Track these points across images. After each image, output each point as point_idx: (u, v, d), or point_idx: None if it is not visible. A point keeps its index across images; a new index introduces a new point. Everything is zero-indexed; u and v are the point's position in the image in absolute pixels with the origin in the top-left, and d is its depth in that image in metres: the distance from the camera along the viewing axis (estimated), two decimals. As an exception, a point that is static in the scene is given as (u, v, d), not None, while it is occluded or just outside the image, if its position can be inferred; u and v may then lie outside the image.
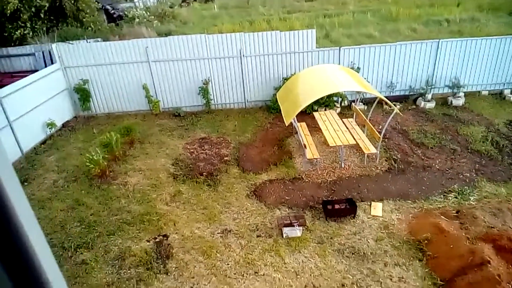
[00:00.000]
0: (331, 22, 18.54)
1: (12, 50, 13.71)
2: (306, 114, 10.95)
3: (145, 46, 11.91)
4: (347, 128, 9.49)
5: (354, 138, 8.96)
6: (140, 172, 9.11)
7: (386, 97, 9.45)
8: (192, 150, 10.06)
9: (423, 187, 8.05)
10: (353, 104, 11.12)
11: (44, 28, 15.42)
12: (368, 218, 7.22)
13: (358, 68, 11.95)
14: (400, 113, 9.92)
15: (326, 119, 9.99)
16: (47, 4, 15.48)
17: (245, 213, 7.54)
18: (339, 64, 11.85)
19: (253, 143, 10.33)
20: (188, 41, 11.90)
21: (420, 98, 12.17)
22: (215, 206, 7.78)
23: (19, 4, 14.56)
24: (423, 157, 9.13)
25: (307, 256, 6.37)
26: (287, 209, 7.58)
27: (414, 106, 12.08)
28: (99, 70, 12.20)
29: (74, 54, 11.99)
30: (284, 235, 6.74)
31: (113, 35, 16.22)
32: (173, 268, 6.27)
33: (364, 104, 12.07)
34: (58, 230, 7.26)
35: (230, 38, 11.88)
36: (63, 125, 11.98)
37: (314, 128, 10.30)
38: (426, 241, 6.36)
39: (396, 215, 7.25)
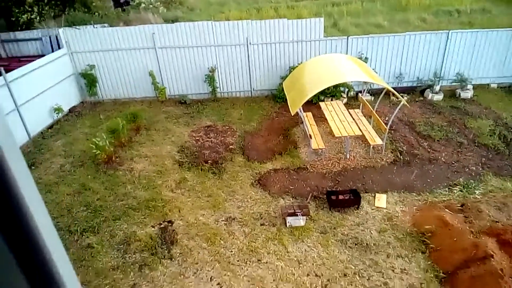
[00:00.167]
0: (339, 10, 18.31)
1: (19, 35, 13.72)
2: (312, 104, 10.88)
3: (152, 33, 11.85)
4: (353, 119, 9.44)
5: (360, 129, 8.91)
6: (146, 158, 9.16)
7: (393, 88, 9.36)
8: (197, 138, 10.08)
9: (428, 180, 8.02)
10: (360, 94, 11.04)
11: (52, 13, 15.36)
12: (372, 209, 7.23)
13: (366, 58, 11.80)
14: (407, 105, 9.82)
15: (332, 109, 9.93)
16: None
17: (249, 201, 7.58)
18: (347, 53, 11.73)
19: (258, 132, 10.33)
20: (194, 28, 11.81)
21: (428, 90, 12.04)
22: (219, 194, 7.82)
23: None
24: (429, 150, 9.07)
25: (310, 246, 6.41)
26: (291, 199, 7.61)
27: (421, 98, 11.96)
28: (105, 55, 12.19)
29: (81, 39, 11.98)
30: (287, 224, 6.78)
31: (120, 20, 16.14)
32: (177, 254, 6.34)
33: (371, 95, 11.97)
34: (65, 214, 7.36)
35: (237, 26, 11.77)
36: (70, 110, 12.03)
37: (320, 118, 10.25)
38: (429, 234, 6.36)
39: (400, 207, 7.24)
